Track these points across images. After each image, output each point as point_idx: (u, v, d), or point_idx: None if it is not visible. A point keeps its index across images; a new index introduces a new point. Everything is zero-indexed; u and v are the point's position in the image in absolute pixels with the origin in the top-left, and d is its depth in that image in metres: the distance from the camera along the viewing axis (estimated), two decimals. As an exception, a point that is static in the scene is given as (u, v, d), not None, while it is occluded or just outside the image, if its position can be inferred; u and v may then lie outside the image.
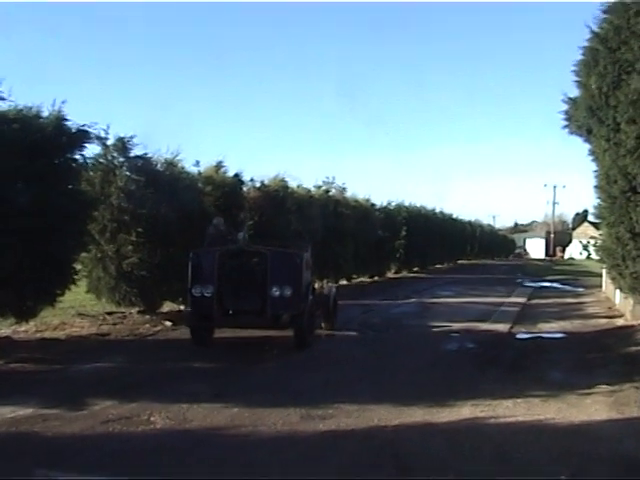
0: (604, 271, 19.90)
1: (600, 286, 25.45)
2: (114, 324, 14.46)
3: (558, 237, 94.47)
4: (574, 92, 12.29)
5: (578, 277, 37.21)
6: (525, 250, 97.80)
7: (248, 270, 12.33)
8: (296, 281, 12.18)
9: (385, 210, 32.59)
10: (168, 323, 14.75)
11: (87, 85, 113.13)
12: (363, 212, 28.55)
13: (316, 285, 13.95)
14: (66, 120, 12.14)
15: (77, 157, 12.70)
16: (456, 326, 15.36)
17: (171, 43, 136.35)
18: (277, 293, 11.89)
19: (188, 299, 12.57)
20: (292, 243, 14.05)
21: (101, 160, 14.94)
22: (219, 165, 18.28)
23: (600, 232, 13.44)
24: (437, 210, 45.09)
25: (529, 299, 23.57)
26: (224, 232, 13.96)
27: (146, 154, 15.57)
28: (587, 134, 12.15)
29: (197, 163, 17.49)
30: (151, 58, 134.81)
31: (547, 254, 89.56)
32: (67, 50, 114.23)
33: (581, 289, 28.83)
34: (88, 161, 13.57)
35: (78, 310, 15.60)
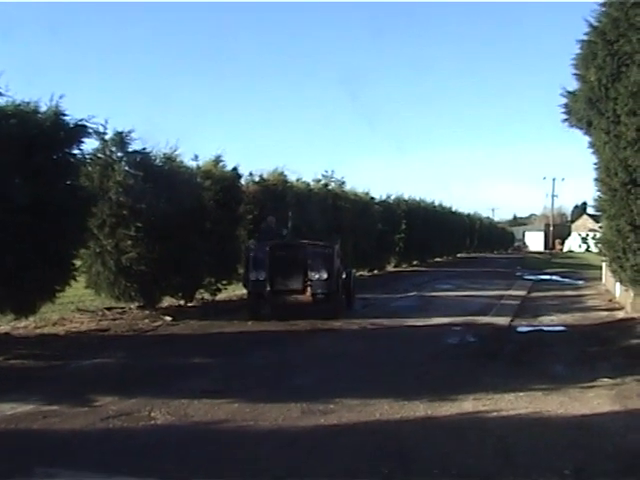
0: (604, 264, 19.87)
1: (600, 279, 25.40)
2: (113, 319, 14.44)
3: (557, 230, 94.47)
4: (573, 86, 12.28)
5: (577, 270, 37.16)
6: (524, 243, 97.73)
7: (293, 259, 15.26)
8: (330, 267, 15.17)
9: (384, 204, 32.52)
10: (168, 318, 14.73)
11: (86, 81, 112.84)
12: (362, 206, 28.48)
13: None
14: (64, 115, 12.05)
15: (75, 152, 12.62)
16: (456, 320, 15.31)
17: (170, 37, 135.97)
18: (316, 277, 15.01)
19: (246, 282, 15.70)
20: (326, 238, 16.76)
21: (99, 155, 14.87)
22: (218, 159, 18.26)
23: (600, 225, 13.44)
24: (436, 203, 45.06)
25: (529, 292, 23.53)
26: (275, 229, 16.83)
27: (144, 149, 15.54)
28: (587, 127, 12.11)
29: (196, 157, 17.50)
30: (149, 51, 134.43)
31: (546, 247, 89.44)
32: (66, 46, 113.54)
33: (581, 282, 28.80)
34: (86, 156, 13.52)
35: (77, 305, 15.57)
